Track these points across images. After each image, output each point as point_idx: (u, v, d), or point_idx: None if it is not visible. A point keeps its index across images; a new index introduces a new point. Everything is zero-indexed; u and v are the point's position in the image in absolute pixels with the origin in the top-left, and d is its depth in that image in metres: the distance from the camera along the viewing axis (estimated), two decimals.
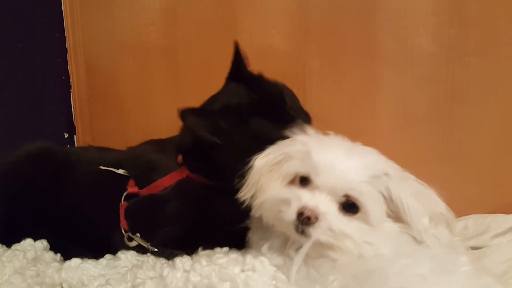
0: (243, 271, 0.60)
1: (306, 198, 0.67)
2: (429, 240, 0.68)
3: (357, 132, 1.12)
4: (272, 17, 1.16)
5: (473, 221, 1.03)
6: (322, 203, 0.67)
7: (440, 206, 0.71)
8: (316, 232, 0.65)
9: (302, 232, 0.65)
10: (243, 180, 0.75)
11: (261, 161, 0.74)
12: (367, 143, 1.14)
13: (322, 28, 1.13)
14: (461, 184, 1.10)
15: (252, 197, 0.74)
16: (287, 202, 0.68)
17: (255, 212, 0.74)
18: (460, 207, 1.08)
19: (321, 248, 0.66)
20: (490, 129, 1.07)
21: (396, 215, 0.70)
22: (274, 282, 0.58)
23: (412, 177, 0.74)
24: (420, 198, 0.70)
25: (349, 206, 0.67)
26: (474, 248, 0.94)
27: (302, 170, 0.70)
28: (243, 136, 0.80)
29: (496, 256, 0.90)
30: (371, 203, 0.67)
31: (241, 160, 0.76)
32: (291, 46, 1.13)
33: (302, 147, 0.73)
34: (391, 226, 0.70)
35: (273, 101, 0.83)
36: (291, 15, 1.15)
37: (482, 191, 1.09)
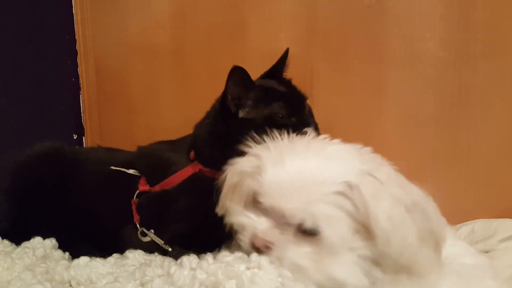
0: (248, 268, 0.60)
1: (257, 224, 0.63)
2: (405, 261, 0.58)
3: (364, 135, 1.13)
4: (280, 20, 1.17)
5: (480, 225, 1.03)
6: (272, 230, 0.62)
7: (434, 222, 0.61)
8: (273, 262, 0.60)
9: None
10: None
11: (224, 182, 0.71)
12: (373, 146, 1.15)
13: (329, 32, 1.14)
14: (467, 187, 1.10)
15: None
16: (242, 228, 0.64)
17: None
18: (467, 210, 1.09)
19: None
20: (497, 132, 1.07)
21: (366, 231, 0.60)
22: (280, 279, 0.59)
23: (406, 182, 0.65)
24: (411, 212, 0.60)
25: (306, 229, 0.60)
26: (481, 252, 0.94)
27: (256, 189, 0.64)
28: (263, 112, 0.84)
29: (504, 260, 0.90)
30: (330, 226, 0.59)
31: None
32: (299, 50, 1.13)
33: (256, 162, 0.67)
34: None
35: (295, 101, 0.88)
36: (299, 19, 1.16)
37: (489, 194, 1.10)
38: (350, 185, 0.60)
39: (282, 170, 0.62)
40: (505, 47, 1.04)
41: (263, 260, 0.61)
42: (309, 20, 1.16)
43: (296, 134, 0.78)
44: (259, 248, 0.61)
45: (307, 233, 0.61)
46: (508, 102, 1.05)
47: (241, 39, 1.20)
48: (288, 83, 0.92)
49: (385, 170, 0.65)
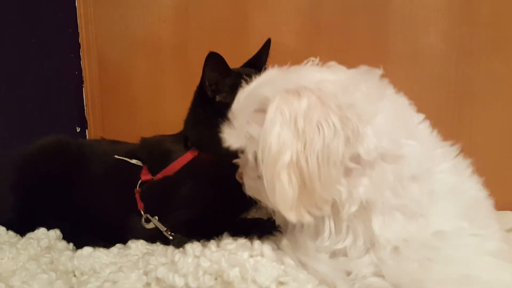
0: (251, 256, 0.61)
1: None
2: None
3: None
4: (283, 15, 1.17)
5: None
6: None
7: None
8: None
9: None
10: None
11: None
12: None
13: (332, 26, 1.14)
14: None
15: None
16: None
17: None
18: None
19: None
20: (500, 127, 1.07)
21: None
22: (282, 266, 0.59)
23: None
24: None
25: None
26: None
27: None
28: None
29: None
30: (249, 146, 0.62)
31: None
32: (302, 44, 1.14)
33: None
34: None
35: None
36: (302, 13, 1.16)
37: (491, 189, 1.09)
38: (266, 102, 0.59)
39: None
40: (508, 43, 1.04)
41: (265, 248, 0.61)
42: (312, 15, 1.16)
43: None
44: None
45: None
46: (510, 97, 1.06)
47: (244, 34, 1.20)
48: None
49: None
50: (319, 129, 0.55)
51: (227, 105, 0.84)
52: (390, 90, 0.66)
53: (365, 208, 0.58)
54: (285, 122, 0.56)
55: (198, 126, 0.90)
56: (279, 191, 0.55)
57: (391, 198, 0.58)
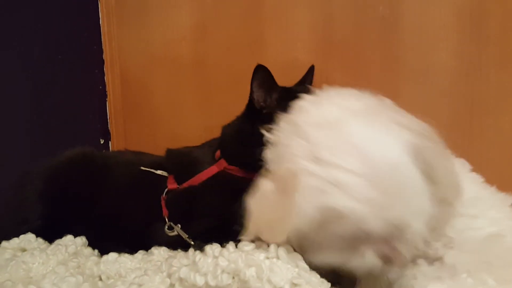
0: (267, 258, 0.64)
1: None
2: None
3: None
4: (298, 31, 1.21)
5: None
6: None
7: None
8: None
9: None
10: None
11: None
12: None
13: (345, 42, 1.17)
14: None
15: None
16: None
17: None
18: None
19: None
20: (510, 141, 1.09)
21: None
22: (297, 269, 0.62)
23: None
24: None
25: None
26: None
27: None
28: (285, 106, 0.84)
29: None
30: None
31: None
32: (315, 60, 1.16)
33: None
34: None
35: None
36: (316, 30, 1.19)
37: None
38: None
39: None
40: None
41: (281, 250, 0.65)
42: (325, 31, 1.19)
43: None
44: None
45: None
46: None
47: (259, 50, 1.24)
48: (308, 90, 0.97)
49: None
50: None
51: (272, 115, 0.87)
52: None
53: None
54: None
55: (243, 141, 0.91)
56: None
57: None
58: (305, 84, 1.00)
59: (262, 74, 0.87)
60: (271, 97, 0.89)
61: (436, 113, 1.14)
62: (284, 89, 0.92)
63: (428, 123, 1.13)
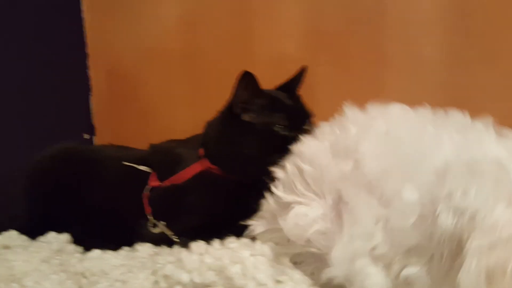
0: (252, 255, 0.65)
1: None
2: None
3: None
4: (286, 25, 1.20)
5: None
6: None
7: None
8: None
9: None
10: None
11: None
12: None
13: (333, 36, 1.17)
14: None
15: None
16: None
17: None
18: None
19: None
20: None
21: None
22: (281, 266, 0.63)
23: None
24: None
25: None
26: None
27: None
28: (264, 119, 0.88)
29: None
30: None
31: (261, 150, 0.85)
32: (303, 54, 1.17)
33: None
34: None
35: (298, 116, 0.92)
36: (304, 24, 1.19)
37: None
38: None
39: None
40: (500, 52, 1.06)
41: (266, 248, 0.65)
42: (313, 25, 1.19)
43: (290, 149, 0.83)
44: None
45: None
46: (503, 104, 1.08)
47: (248, 44, 1.23)
48: (297, 99, 0.96)
49: None
50: None
51: (252, 125, 0.88)
52: None
53: None
54: None
55: (220, 141, 0.91)
56: None
57: None
58: (292, 87, 0.98)
59: (247, 80, 0.85)
60: (253, 104, 0.88)
61: (421, 105, 1.14)
62: (268, 96, 0.90)
63: None
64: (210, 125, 0.96)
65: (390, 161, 0.63)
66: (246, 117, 0.88)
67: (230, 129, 0.90)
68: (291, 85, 0.98)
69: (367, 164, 0.63)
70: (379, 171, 0.62)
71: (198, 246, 0.68)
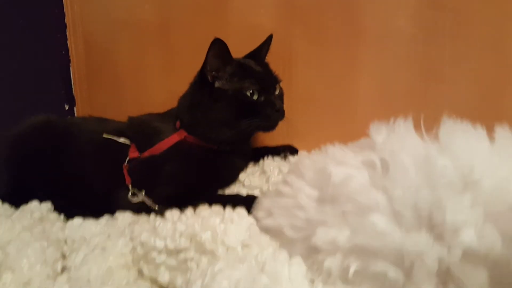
0: (222, 222, 0.69)
1: None
2: None
3: (339, 110, 1.21)
4: None
5: None
6: None
7: None
8: None
9: None
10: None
11: None
12: (347, 115, 1.22)
13: (308, 9, 1.18)
14: None
15: None
16: None
17: None
18: None
19: None
20: (463, 106, 1.13)
21: None
22: (248, 232, 0.67)
23: None
24: None
25: None
26: None
27: None
28: (234, 86, 0.92)
29: None
30: None
31: (234, 115, 0.89)
32: (279, 26, 1.18)
33: None
34: None
35: (267, 81, 0.96)
36: None
37: None
38: None
39: None
40: (470, 25, 1.08)
41: (235, 215, 0.69)
42: None
43: (261, 113, 0.87)
44: None
45: None
46: (473, 77, 1.11)
47: (223, 15, 1.24)
48: (265, 66, 1.01)
49: None
50: None
51: (223, 91, 0.91)
52: None
53: None
54: None
55: (194, 109, 0.94)
56: None
57: None
58: (260, 54, 1.02)
59: (218, 47, 0.88)
60: (225, 71, 0.92)
61: (393, 78, 1.17)
62: (238, 64, 0.94)
63: (385, 87, 1.17)
64: (183, 97, 1.00)
65: None
66: (218, 83, 0.92)
67: (202, 97, 0.93)
68: (259, 53, 1.02)
69: None
70: None
71: (172, 214, 0.72)
